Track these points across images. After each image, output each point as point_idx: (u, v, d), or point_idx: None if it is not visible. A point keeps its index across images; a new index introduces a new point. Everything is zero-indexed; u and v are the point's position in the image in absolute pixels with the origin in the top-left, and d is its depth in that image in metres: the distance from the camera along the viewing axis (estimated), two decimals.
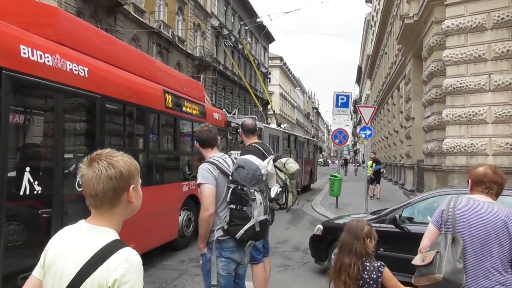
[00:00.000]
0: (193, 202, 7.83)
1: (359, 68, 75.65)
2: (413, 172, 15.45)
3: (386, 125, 28.42)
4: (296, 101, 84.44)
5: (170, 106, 7.02)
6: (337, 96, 12.91)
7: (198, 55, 32.50)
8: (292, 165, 4.15)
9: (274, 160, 4.06)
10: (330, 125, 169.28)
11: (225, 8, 40.28)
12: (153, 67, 7.15)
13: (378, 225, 5.27)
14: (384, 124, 30.20)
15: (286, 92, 76.06)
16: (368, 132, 11.92)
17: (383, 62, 30.89)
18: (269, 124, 17.72)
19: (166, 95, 6.87)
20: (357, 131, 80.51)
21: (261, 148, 4.17)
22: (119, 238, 1.36)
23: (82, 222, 1.40)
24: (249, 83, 47.86)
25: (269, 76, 62.08)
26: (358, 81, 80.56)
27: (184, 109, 7.57)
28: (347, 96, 12.84)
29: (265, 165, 3.25)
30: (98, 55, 5.31)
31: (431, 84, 11.95)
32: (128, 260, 1.28)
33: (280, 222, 9.97)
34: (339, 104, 12.74)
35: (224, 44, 28.47)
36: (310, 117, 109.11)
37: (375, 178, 16.02)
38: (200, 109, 8.26)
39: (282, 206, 4.08)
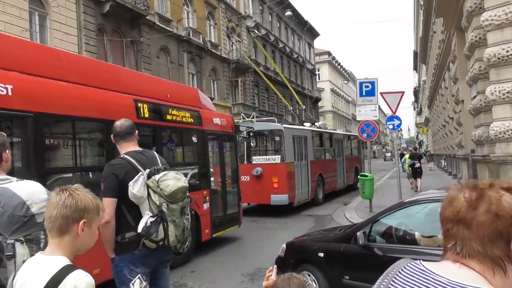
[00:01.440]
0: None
1: (415, 53, 70.95)
2: (467, 164, 13.21)
3: (442, 112, 25.62)
4: (350, 95, 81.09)
5: (147, 116, 6.02)
6: (361, 84, 11.21)
7: (234, 58, 31.66)
8: (170, 182, 2.82)
9: (149, 176, 2.81)
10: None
11: (260, 7, 39.14)
12: (121, 77, 6.17)
13: (342, 245, 3.96)
14: (440, 112, 27.32)
15: (338, 87, 73.31)
16: (397, 122, 10.12)
17: (433, 43, 28.02)
18: (314, 124, 16.23)
19: (140, 104, 5.89)
20: (416, 121, 75.48)
21: (133, 161, 2.89)
22: (70, 263, 1.47)
23: (38, 254, 1.55)
24: (294, 81, 46.36)
25: (317, 73, 60.02)
26: (415, 67, 75.66)
27: (168, 117, 6.56)
28: (372, 83, 11.07)
29: (40, 199, 1.97)
30: (34, 71, 4.61)
31: (474, 57, 9.88)
32: (76, 284, 1.39)
33: (292, 232, 8.56)
34: (364, 93, 11.04)
35: (253, 37, 26.99)
36: None
37: (414, 172, 15.72)
38: (193, 115, 7.23)
39: (159, 243, 2.80)
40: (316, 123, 16.69)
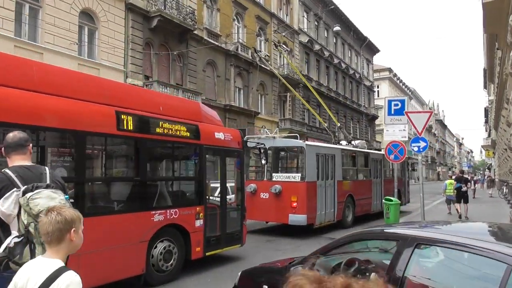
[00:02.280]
0: (178, 232, 6.88)
1: (484, 71, 66.42)
2: None
3: (504, 134, 23.52)
4: None
5: (131, 128, 5.98)
6: (389, 102, 10.50)
7: (283, 74, 31.48)
8: (40, 201, 2.55)
9: (24, 193, 2.61)
10: (462, 138, 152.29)
11: (316, 23, 38.78)
12: (103, 89, 6.15)
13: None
14: (502, 134, 25.12)
15: None
16: (423, 144, 9.23)
17: (496, 60, 25.94)
18: (350, 142, 15.56)
19: (123, 116, 5.86)
20: (483, 143, 70.24)
21: (13, 176, 2.70)
22: (64, 265, 1.97)
23: (39, 257, 2.08)
24: (349, 97, 45.19)
25: (375, 90, 58.18)
26: (485, 85, 70.76)
27: (157, 130, 6.47)
28: (402, 101, 10.32)
29: None
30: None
31: None
32: (69, 279, 1.87)
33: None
34: (392, 112, 10.31)
35: (280, 51, 26.36)
36: (433, 131, 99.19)
37: (460, 196, 15.10)
38: (189, 128, 7.09)
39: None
40: (353, 142, 15.91)
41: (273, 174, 11.54)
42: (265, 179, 11.46)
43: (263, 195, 11.36)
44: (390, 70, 65.98)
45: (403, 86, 74.34)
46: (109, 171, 6.42)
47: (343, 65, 43.73)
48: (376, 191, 15.32)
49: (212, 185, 11.37)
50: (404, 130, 10.19)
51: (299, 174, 11.12)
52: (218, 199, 8.06)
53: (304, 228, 11.51)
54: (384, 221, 10.72)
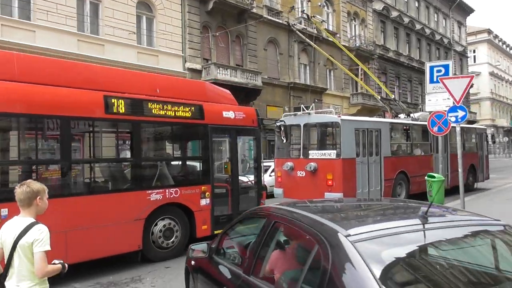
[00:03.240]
0: (181, 211, 7.07)
1: None
2: None
3: None
4: None
5: (122, 111, 6.24)
6: (431, 68, 9.37)
7: (354, 46, 29.95)
8: None
9: None
10: None
11: None
12: (91, 76, 6.42)
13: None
14: None
15: (502, 70, 62.97)
16: (461, 113, 8.07)
17: None
18: (409, 115, 14.45)
19: (113, 100, 6.14)
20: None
21: None
22: (35, 220, 2.74)
23: (16, 217, 2.77)
24: None
25: (470, 55, 52.70)
26: None
27: (153, 111, 6.66)
28: (446, 67, 9.14)
29: None
30: None
31: None
32: (40, 229, 2.67)
33: None
34: (435, 79, 9.21)
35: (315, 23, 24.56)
36: None
37: None
38: (192, 109, 7.19)
39: None
40: (412, 115, 14.65)
41: (309, 152, 11.14)
42: (301, 156, 11.12)
43: (300, 173, 11.06)
44: (489, 31, 59.16)
45: (507, 48, 66.22)
46: (103, 154, 6.75)
47: (427, 31, 40.22)
48: (441, 167, 14.01)
49: (266, 163, 11.38)
50: (448, 99, 9.03)
51: (335, 151, 10.57)
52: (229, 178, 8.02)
53: None
54: (428, 199, 9.77)
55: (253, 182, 8.37)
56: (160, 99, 6.74)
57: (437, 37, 42.11)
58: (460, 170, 8.34)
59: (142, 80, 7.05)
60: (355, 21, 31.45)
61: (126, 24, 17.02)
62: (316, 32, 26.52)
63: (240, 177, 8.31)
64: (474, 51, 56.45)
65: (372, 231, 2.11)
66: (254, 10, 22.34)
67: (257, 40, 23.06)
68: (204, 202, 7.25)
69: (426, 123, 13.25)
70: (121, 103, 6.19)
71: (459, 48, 47.07)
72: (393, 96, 15.62)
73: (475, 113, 48.76)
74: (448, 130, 9.42)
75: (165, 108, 6.74)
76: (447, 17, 45.19)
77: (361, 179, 10.96)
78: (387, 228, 2.15)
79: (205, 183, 7.32)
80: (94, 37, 16.18)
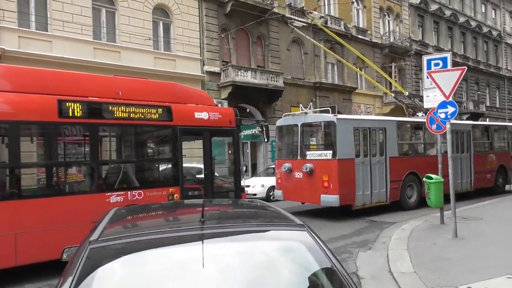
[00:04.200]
0: None
1: None
2: None
3: None
4: None
5: (78, 114, 6.29)
6: (428, 61, 8.63)
7: (387, 42, 28.76)
8: None
9: None
10: None
11: None
12: (45, 81, 6.48)
13: None
14: None
15: None
16: (451, 109, 7.31)
17: None
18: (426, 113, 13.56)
19: (68, 104, 6.21)
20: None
21: None
22: None
23: None
24: (483, 61, 38.99)
25: None
26: None
27: (115, 114, 6.66)
28: (444, 60, 8.38)
29: None
30: None
31: None
32: None
33: None
34: None
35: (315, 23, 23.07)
36: None
37: None
38: (158, 110, 7.12)
39: None
40: (419, 114, 13.73)
41: (307, 152, 10.71)
42: (298, 157, 10.72)
43: (297, 174, 10.67)
44: None
45: None
46: (61, 157, 6.78)
47: (473, 24, 37.87)
48: (459, 168, 13.02)
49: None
50: (440, 95, 8.31)
51: (331, 151, 10.08)
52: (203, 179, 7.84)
53: (349, 210, 10.52)
54: (427, 201, 9.02)
55: (231, 183, 8.13)
56: (120, 101, 6.70)
57: (485, 29, 39.54)
58: (450, 171, 7.62)
59: (102, 83, 7.03)
60: (388, 16, 30.23)
61: (142, 30, 17.36)
62: (344, 29, 25.79)
63: (219, 179, 8.12)
64: None
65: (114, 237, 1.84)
66: (276, 10, 22.05)
67: (279, 41, 22.74)
68: None
69: None
70: (75, 107, 6.21)
71: (511, 41, 43.92)
72: (406, 93, 14.67)
73: None
74: (446, 129, 8.64)
75: (126, 110, 6.69)
76: (496, 7, 42.36)
77: (361, 180, 10.38)
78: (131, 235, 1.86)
79: (174, 185, 7.19)
80: (110, 45, 16.63)
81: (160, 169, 7.56)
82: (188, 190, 7.44)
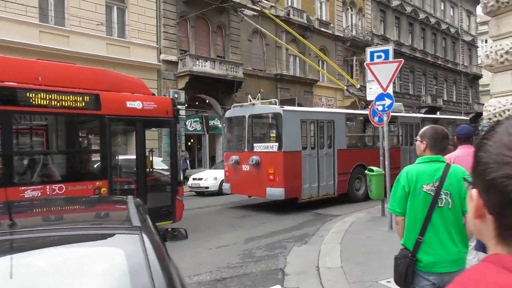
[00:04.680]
0: None
1: None
2: None
3: None
4: None
5: None
6: (371, 54, 8.59)
7: (350, 36, 28.93)
8: None
9: None
10: None
11: None
12: None
13: None
14: None
15: None
16: (388, 102, 7.35)
17: None
18: (401, 108, 13.59)
19: None
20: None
21: None
22: None
23: None
24: (442, 57, 40.03)
25: (480, 45, 50.61)
26: None
27: (31, 101, 6.15)
28: (386, 52, 8.36)
29: None
30: None
31: None
32: None
33: (246, 232, 7.14)
34: None
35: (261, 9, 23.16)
36: None
37: None
38: (83, 98, 6.68)
39: None
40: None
41: (254, 145, 10.53)
42: (245, 150, 10.54)
43: (245, 167, 10.49)
44: None
45: None
46: None
47: (433, 20, 38.69)
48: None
49: None
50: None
51: (277, 144, 9.95)
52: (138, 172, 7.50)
53: (297, 203, 10.43)
54: (369, 195, 9.05)
55: (167, 177, 7.84)
56: (38, 87, 6.24)
57: (443, 26, 40.50)
58: (386, 163, 7.63)
59: (19, 67, 6.53)
60: (351, 10, 30.39)
61: (94, 14, 16.62)
62: (306, 22, 25.70)
63: (156, 172, 7.80)
64: (485, 41, 54.21)
65: None
66: (237, 0, 21.66)
67: (240, 31, 22.40)
68: None
69: (394, 114, 12.52)
70: None
71: (468, 38, 45.32)
72: (358, 86, 14.74)
73: (483, 105, 46.94)
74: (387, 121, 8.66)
75: (46, 97, 6.24)
76: (455, 6, 43.45)
77: (308, 173, 10.30)
78: None
79: (101, 178, 6.83)
80: (59, 28, 15.85)
81: (86, 161, 7.16)
82: (118, 184, 7.09)
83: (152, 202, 7.38)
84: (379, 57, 8.58)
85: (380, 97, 7.42)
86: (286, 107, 10.25)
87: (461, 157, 4.01)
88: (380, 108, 7.44)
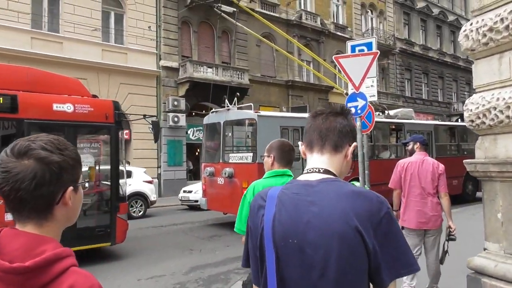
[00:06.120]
0: None
1: None
2: None
3: None
4: None
5: None
6: (353, 48, 7.25)
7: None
8: None
9: None
10: None
11: None
12: None
13: None
14: None
15: None
16: (361, 103, 6.01)
17: None
18: (383, 112, 12.18)
19: None
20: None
21: None
22: None
23: None
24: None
25: None
26: None
27: None
28: (369, 45, 7.01)
29: None
30: None
31: None
32: None
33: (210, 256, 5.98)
34: None
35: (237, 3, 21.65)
36: None
37: None
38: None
39: None
40: (388, 112, 12.35)
41: (230, 155, 9.35)
42: (220, 160, 9.37)
43: (219, 180, 9.32)
44: None
45: None
46: None
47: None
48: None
49: None
50: (372, 86, 6.98)
51: (251, 154, 8.72)
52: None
53: None
54: None
55: (106, 191, 6.78)
56: None
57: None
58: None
59: None
60: (371, 13, 28.83)
61: (89, 20, 16.06)
62: (320, 26, 24.40)
63: (93, 185, 6.77)
64: None
65: None
66: (244, 3, 20.71)
67: (247, 36, 21.37)
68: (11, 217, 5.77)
69: (399, 120, 11.12)
70: None
71: None
72: (344, 92, 13.24)
73: (410, 110, 43.66)
74: (372, 126, 7.26)
75: None
76: None
77: None
78: None
79: None
80: (51, 35, 15.36)
81: None
82: None
83: (86, 221, 6.35)
84: (361, 51, 7.26)
85: (352, 97, 6.12)
86: (263, 113, 9.06)
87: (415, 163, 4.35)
88: (353, 110, 6.10)
